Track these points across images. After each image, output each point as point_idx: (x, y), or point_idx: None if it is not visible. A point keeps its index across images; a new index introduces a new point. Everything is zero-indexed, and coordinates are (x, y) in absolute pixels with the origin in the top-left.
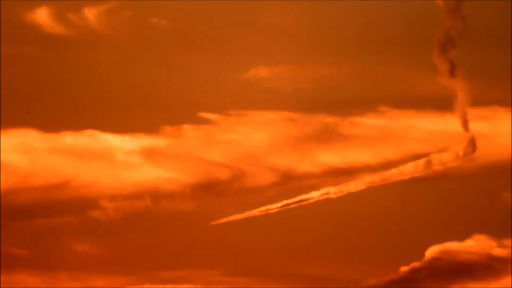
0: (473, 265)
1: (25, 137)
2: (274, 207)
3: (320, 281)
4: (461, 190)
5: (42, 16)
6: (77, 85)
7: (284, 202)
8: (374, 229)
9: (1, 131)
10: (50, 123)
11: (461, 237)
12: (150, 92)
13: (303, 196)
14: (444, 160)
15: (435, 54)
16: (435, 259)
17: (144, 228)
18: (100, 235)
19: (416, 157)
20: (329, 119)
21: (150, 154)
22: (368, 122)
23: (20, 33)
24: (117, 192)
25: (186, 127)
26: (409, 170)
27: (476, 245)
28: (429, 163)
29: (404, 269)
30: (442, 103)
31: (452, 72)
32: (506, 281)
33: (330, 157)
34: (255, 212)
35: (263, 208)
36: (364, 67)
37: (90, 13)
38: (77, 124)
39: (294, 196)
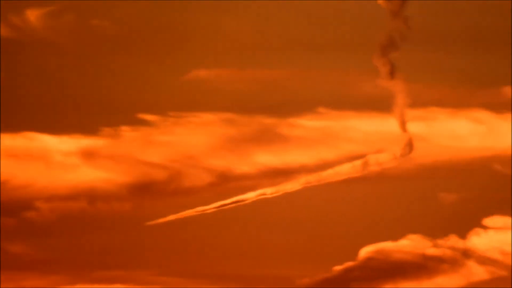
0: (407, 264)
1: None
2: (211, 207)
3: (255, 281)
4: (397, 191)
5: None
6: (15, 86)
7: (221, 202)
8: (310, 229)
9: None
10: None
11: (396, 236)
12: (89, 93)
13: (240, 197)
14: (381, 160)
15: (376, 56)
16: (369, 259)
17: (80, 229)
18: (35, 236)
19: (353, 157)
20: (268, 121)
21: (87, 155)
22: (307, 124)
23: None
24: (54, 193)
25: (124, 128)
26: (346, 170)
27: (410, 244)
28: (366, 164)
29: (338, 268)
30: (380, 105)
31: (391, 73)
32: (439, 280)
33: (267, 158)
34: (191, 212)
35: (199, 209)
36: (303, 69)
37: (33, 15)
38: (14, 125)
39: (231, 196)
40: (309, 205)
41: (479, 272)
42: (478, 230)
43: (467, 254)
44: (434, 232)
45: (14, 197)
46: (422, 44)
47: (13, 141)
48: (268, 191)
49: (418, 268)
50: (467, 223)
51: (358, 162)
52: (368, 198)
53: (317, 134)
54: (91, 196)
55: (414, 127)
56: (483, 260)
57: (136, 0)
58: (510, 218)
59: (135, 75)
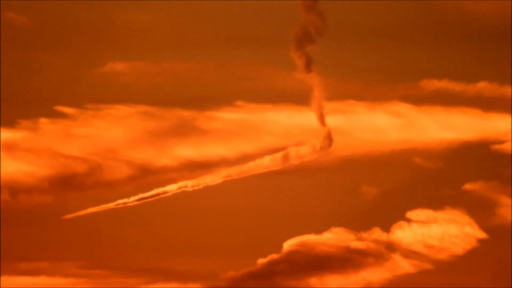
0: (331, 257)
1: None
2: (131, 200)
3: (179, 273)
4: (318, 184)
5: None
6: None
7: (141, 195)
8: (232, 222)
9: None
10: None
11: (319, 229)
12: (7, 86)
13: (160, 189)
14: (301, 153)
15: (292, 49)
16: (293, 252)
17: (3, 221)
18: None
19: (273, 150)
20: (186, 114)
21: (7, 148)
22: (225, 116)
23: None
24: None
25: (43, 120)
26: (267, 163)
27: (334, 237)
28: (286, 157)
29: (262, 261)
30: (299, 98)
31: (308, 67)
32: (364, 274)
33: (187, 151)
34: (112, 205)
35: (120, 201)
36: (221, 63)
37: None
38: None
39: (152, 189)
40: (230, 198)
41: (404, 266)
42: (401, 223)
43: (391, 247)
44: (357, 225)
45: None
46: (339, 39)
47: None
48: (189, 184)
49: (343, 261)
50: (390, 216)
51: (278, 155)
52: (290, 191)
53: (236, 127)
54: (13, 188)
55: (333, 121)
56: (408, 254)
57: None
58: (432, 211)
59: (52, 68)
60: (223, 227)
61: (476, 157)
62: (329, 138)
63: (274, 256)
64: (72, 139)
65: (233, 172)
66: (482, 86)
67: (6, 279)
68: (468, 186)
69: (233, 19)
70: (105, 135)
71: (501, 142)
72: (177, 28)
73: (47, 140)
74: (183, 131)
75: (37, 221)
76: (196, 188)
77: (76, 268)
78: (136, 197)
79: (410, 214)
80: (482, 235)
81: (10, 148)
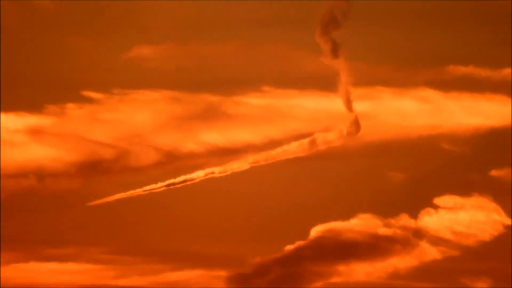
0: (358, 244)
1: None
2: (158, 186)
3: (205, 259)
4: (345, 170)
5: None
6: None
7: (168, 181)
8: (259, 209)
9: None
10: None
11: (346, 216)
12: (34, 71)
13: (188, 176)
14: (328, 139)
15: (318, 34)
16: (320, 238)
17: (30, 206)
18: None
19: (300, 136)
20: (213, 99)
21: (34, 133)
22: (252, 102)
23: None
24: (2, 171)
25: (70, 106)
26: (293, 149)
27: (361, 224)
28: (313, 143)
29: (289, 248)
30: (325, 83)
31: (334, 52)
32: (392, 260)
33: (214, 136)
34: (139, 191)
35: (147, 188)
36: (247, 45)
37: None
38: None
39: (179, 175)
40: (257, 184)
41: (431, 252)
42: (429, 209)
43: (418, 234)
44: (384, 211)
45: None
46: (365, 23)
47: None
48: (216, 170)
49: (370, 248)
50: (417, 202)
51: (305, 141)
52: (317, 177)
53: (263, 112)
54: (40, 174)
55: (360, 106)
56: (435, 240)
57: None
58: (459, 197)
59: (78, 53)
60: (250, 214)
61: (502, 143)
62: (356, 124)
63: (301, 242)
64: (99, 124)
65: (260, 158)
66: (508, 72)
67: (33, 265)
68: (494, 172)
69: (259, 1)
70: (132, 120)
71: None
72: (203, 11)
73: (74, 125)
74: (209, 116)
75: (64, 206)
76: (223, 174)
77: (103, 254)
78: (163, 183)
79: (437, 200)
80: (508, 221)
81: (37, 133)
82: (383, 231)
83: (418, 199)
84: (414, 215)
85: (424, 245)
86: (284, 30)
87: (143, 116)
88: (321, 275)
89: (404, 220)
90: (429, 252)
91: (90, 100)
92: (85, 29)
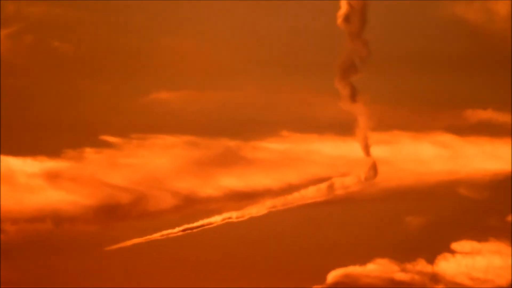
0: None
1: None
2: (176, 231)
3: None
4: (363, 214)
5: None
6: None
7: (186, 226)
8: (276, 253)
9: None
10: None
11: (363, 261)
12: (51, 115)
13: (205, 220)
14: (346, 184)
15: (337, 79)
16: (337, 283)
17: (46, 250)
18: (2, 258)
19: (318, 181)
20: (231, 143)
21: (52, 177)
22: (270, 146)
23: None
24: (19, 215)
25: (88, 150)
26: (311, 194)
27: (378, 269)
28: (331, 187)
29: None
30: (343, 128)
31: (353, 97)
32: None
33: (232, 181)
34: (157, 236)
35: (165, 232)
36: (266, 91)
37: None
38: None
39: (196, 220)
40: (275, 229)
41: None
42: (446, 254)
43: (435, 279)
44: (401, 256)
45: None
46: (383, 67)
47: None
48: (234, 215)
49: None
50: (434, 247)
51: (323, 186)
52: (335, 221)
53: (281, 157)
54: (57, 218)
55: (377, 151)
56: (452, 286)
57: (97, 22)
58: (477, 242)
59: (97, 97)
60: (267, 258)
61: None
62: (374, 169)
63: (318, 287)
64: (117, 168)
65: (278, 202)
66: None
67: None
68: None
69: (278, 46)
70: (150, 165)
71: None
72: (221, 55)
73: (92, 170)
74: (228, 161)
75: (81, 251)
76: (241, 219)
77: None
78: (181, 228)
79: (454, 245)
80: None
81: (55, 177)
82: (400, 276)
83: (435, 244)
84: (431, 260)
85: None
86: (303, 75)
87: (161, 161)
88: None
89: (421, 265)
90: None
91: (108, 145)
92: (104, 73)
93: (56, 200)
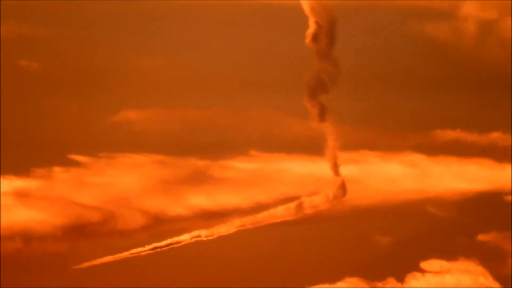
0: None
1: None
2: (145, 249)
3: None
4: (332, 233)
5: None
6: None
7: (155, 244)
8: (246, 272)
9: None
10: None
11: (333, 279)
12: (20, 134)
13: (174, 239)
14: (315, 203)
15: (306, 98)
16: None
17: (16, 269)
18: None
19: (287, 200)
20: (200, 163)
21: (21, 196)
22: (239, 166)
23: None
24: None
25: (57, 169)
26: (280, 213)
27: None
28: (300, 206)
29: None
30: (312, 147)
31: (322, 116)
32: None
33: (201, 200)
34: (126, 254)
35: (134, 251)
36: (234, 110)
37: None
38: None
39: (166, 238)
40: (244, 247)
41: None
42: (415, 273)
43: None
44: (371, 275)
45: None
46: (352, 87)
47: None
48: (203, 234)
49: None
50: (404, 266)
51: (292, 205)
52: (304, 240)
53: (250, 176)
54: (26, 236)
55: (346, 170)
56: None
57: (65, 41)
58: (446, 261)
59: (65, 116)
60: (237, 277)
61: (489, 208)
62: (343, 188)
63: None
64: (86, 187)
65: (247, 221)
66: (496, 137)
67: None
68: (481, 237)
69: (247, 65)
70: (119, 184)
71: None
72: (190, 75)
73: (60, 189)
74: (196, 180)
75: (50, 269)
76: (210, 237)
77: None
78: (150, 246)
79: (424, 264)
80: (496, 285)
81: (23, 196)
82: None
83: (404, 263)
84: (401, 279)
85: None
86: (271, 95)
87: (130, 180)
88: None
89: (391, 284)
90: None
91: (76, 164)
92: (72, 91)
93: (25, 218)
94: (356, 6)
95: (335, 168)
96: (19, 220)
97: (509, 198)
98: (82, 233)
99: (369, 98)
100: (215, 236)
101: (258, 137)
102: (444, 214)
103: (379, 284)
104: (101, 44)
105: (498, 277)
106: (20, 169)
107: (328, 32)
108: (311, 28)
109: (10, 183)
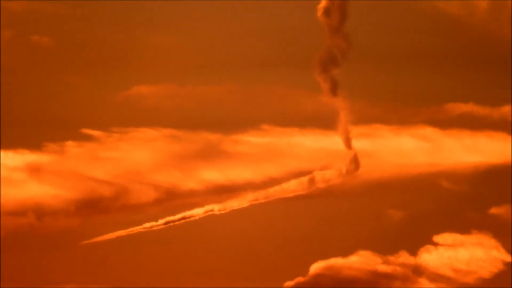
0: (358, 281)
1: None
2: (158, 224)
3: None
4: (345, 207)
5: None
6: None
7: (168, 218)
8: (259, 246)
9: None
10: None
11: (346, 253)
12: (33, 108)
13: (187, 213)
14: (328, 177)
15: (318, 73)
16: (320, 275)
17: (28, 244)
18: None
19: (299, 174)
20: (212, 137)
21: (33, 171)
22: (251, 140)
23: None
24: (1, 209)
25: (69, 143)
26: (293, 187)
27: (361, 261)
28: (312, 181)
29: (289, 284)
30: (325, 121)
31: (334, 90)
32: None
33: (213, 174)
34: (139, 228)
35: (146, 225)
36: (246, 85)
37: None
38: None
39: (178, 213)
40: (257, 221)
41: None
42: (428, 247)
43: (418, 271)
44: (384, 248)
45: None
46: (365, 62)
47: None
48: (216, 208)
49: (370, 285)
50: (417, 240)
51: (304, 179)
52: (316, 214)
53: (262, 150)
54: (39, 211)
55: (359, 144)
56: (434, 277)
57: (78, 17)
58: (459, 235)
59: (78, 91)
60: (250, 251)
61: (502, 181)
62: (355, 162)
63: (300, 279)
64: (98, 162)
65: (259, 196)
66: (508, 110)
67: None
68: (494, 210)
69: (258, 41)
70: (131, 158)
71: None
72: (202, 51)
73: (73, 163)
74: (209, 154)
75: (62, 244)
76: (222, 212)
77: None
78: (162, 221)
79: (436, 238)
80: (508, 258)
81: (36, 171)
82: (382, 268)
83: (417, 237)
84: (413, 252)
85: (424, 282)
86: (283, 70)
87: (142, 154)
88: None
89: (404, 257)
90: None
91: (89, 138)
92: (85, 67)
93: (37, 193)
94: None
95: (348, 142)
96: (31, 195)
97: None
98: (95, 208)
99: (381, 73)
100: (228, 210)
101: (270, 111)
102: (457, 187)
103: (392, 258)
104: (114, 20)
105: (510, 250)
106: (33, 144)
107: (340, 7)
108: (323, 2)
109: (23, 158)
